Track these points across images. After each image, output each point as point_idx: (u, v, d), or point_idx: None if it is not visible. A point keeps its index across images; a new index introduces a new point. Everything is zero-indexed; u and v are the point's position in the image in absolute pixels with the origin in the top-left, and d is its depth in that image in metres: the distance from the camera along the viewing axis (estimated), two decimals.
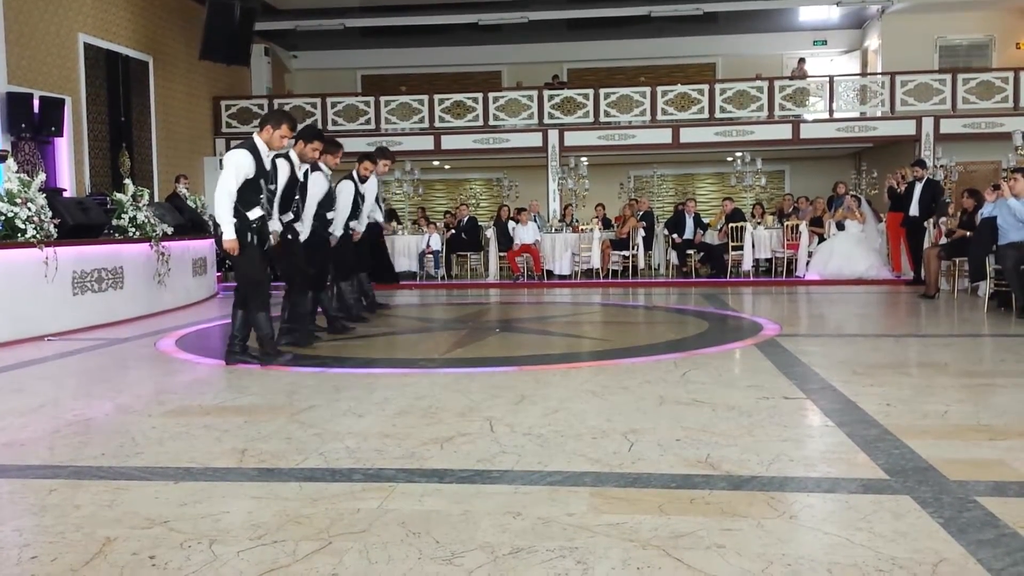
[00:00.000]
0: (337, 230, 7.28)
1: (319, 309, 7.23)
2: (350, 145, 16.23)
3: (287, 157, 6.21)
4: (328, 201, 7.09)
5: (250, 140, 5.62)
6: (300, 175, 6.43)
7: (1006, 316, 7.86)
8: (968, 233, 9.22)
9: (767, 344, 6.30)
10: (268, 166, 5.68)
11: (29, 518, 2.79)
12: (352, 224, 7.76)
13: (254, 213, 5.57)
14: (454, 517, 2.70)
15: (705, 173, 20.50)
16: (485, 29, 18.54)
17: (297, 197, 6.42)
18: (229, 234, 5.46)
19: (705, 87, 16.64)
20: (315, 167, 7.09)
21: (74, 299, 7.74)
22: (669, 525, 2.59)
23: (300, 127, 6.23)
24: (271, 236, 5.89)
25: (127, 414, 4.32)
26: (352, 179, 7.71)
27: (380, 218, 9.09)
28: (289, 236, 6.35)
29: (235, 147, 5.63)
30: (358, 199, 7.82)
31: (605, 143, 16.69)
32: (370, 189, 8.23)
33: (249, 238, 5.56)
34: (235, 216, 5.47)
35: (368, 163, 8.02)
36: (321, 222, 6.97)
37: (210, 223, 12.28)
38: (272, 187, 5.82)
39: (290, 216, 6.33)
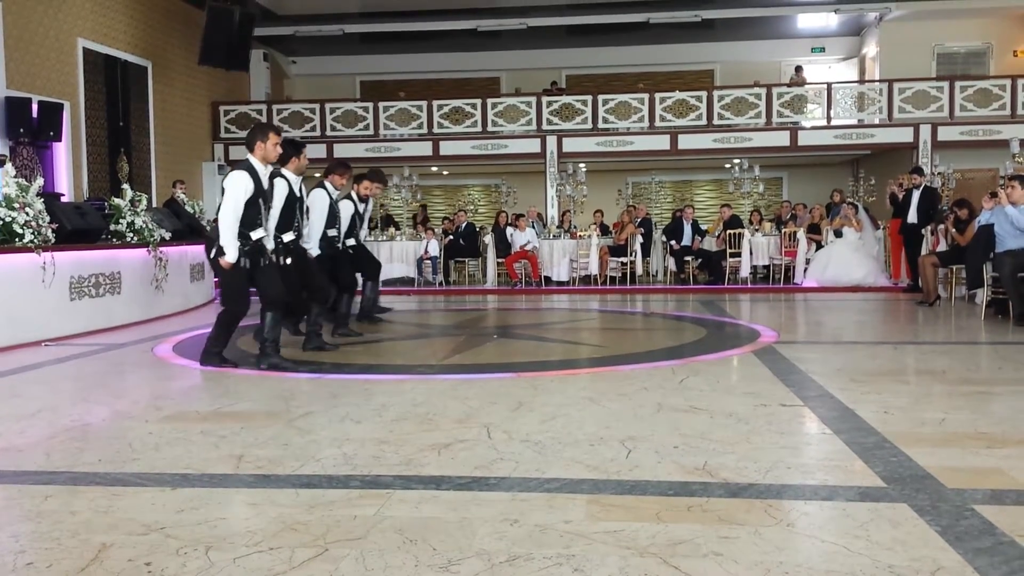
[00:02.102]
0: (313, 245, 7.03)
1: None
2: (349, 150, 16.42)
3: (284, 176, 6.19)
4: (332, 218, 7.27)
5: (246, 161, 5.66)
6: (298, 192, 6.35)
7: (1003, 324, 7.87)
8: (954, 230, 9.29)
9: (765, 351, 6.30)
10: (266, 184, 5.72)
11: (25, 524, 2.78)
12: (348, 241, 7.81)
13: (257, 233, 5.65)
14: (451, 524, 2.69)
15: (703, 180, 20.54)
16: (484, 35, 18.57)
17: (298, 215, 6.35)
18: (232, 256, 5.54)
19: (703, 94, 16.69)
20: (320, 184, 7.33)
21: (71, 304, 7.72)
22: (666, 533, 2.58)
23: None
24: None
25: (124, 420, 4.31)
26: (326, 189, 7.30)
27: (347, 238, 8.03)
28: (294, 254, 6.34)
29: (232, 170, 5.69)
30: (356, 218, 7.93)
31: (603, 149, 16.73)
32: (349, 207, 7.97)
33: (242, 262, 5.60)
34: (239, 238, 5.55)
35: (368, 183, 8.13)
36: (325, 239, 7.20)
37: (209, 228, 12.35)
38: (270, 206, 5.85)
39: (291, 235, 6.25)
